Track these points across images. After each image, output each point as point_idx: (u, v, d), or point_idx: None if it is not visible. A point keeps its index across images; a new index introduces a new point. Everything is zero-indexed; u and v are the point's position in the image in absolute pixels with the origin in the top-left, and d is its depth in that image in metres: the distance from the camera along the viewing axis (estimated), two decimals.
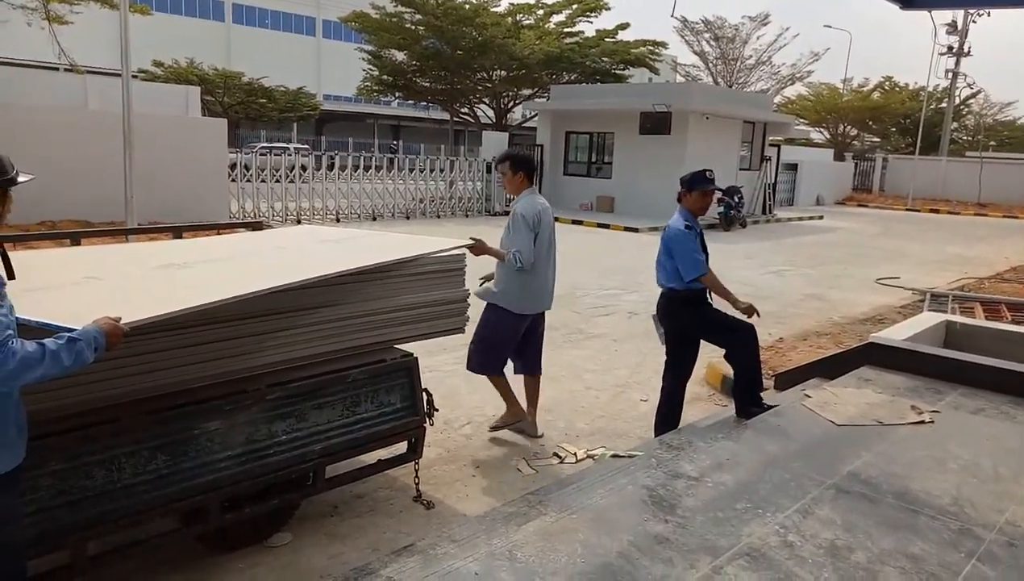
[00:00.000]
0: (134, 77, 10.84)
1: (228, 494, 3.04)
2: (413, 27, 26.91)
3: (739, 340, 4.31)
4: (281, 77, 37.79)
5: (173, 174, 13.87)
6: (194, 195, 14.22)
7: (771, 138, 25.38)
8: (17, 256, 3.65)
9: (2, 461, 2.10)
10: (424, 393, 3.79)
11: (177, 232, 4.49)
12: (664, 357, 4.63)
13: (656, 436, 4.34)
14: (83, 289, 2.88)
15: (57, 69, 22.10)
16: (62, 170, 12.14)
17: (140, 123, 11.11)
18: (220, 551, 3.29)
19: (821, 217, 25.26)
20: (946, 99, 39.24)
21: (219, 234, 4.97)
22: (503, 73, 28.01)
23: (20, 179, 2.22)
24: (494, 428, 4.81)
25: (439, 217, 19.19)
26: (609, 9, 28.46)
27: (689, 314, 4.41)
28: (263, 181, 16.27)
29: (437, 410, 3.98)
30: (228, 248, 3.94)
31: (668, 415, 4.54)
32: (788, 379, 4.94)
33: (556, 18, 28.84)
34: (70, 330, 2.11)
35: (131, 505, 2.74)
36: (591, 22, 29.09)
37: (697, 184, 4.45)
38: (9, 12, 18.96)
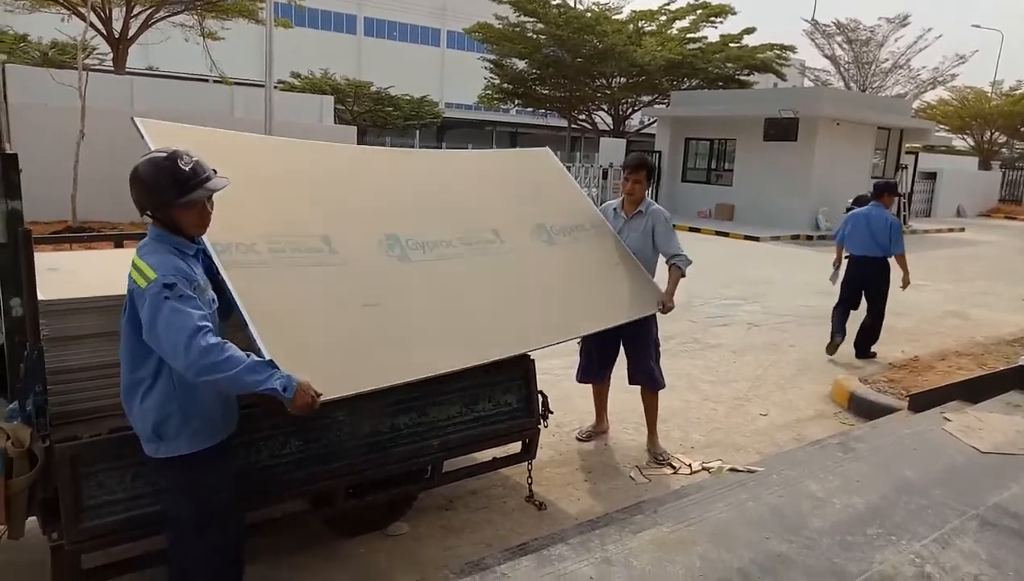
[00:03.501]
0: (275, 88, 11.58)
1: (353, 481, 3.19)
2: (535, 36, 27.20)
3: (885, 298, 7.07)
4: (406, 86, 39.16)
5: None
6: None
7: (908, 145, 23.84)
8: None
9: (213, 434, 2.41)
10: (539, 395, 3.83)
11: None
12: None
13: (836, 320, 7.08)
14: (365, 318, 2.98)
15: (207, 80, 23.95)
16: None
17: (279, 131, 11.83)
18: (343, 535, 3.45)
19: (963, 229, 23.45)
20: None
21: None
22: (623, 80, 27.81)
23: (216, 185, 2.36)
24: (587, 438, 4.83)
25: None
26: (735, 14, 27.66)
27: (886, 275, 6.99)
28: None
29: (552, 412, 4.00)
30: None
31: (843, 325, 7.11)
32: (925, 400, 4.62)
33: (679, 24, 28.33)
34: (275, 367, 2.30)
35: (266, 485, 2.93)
36: (715, 27, 28.39)
37: (893, 190, 7.16)
38: (170, 30, 20.75)
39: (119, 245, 4.23)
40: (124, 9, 18.43)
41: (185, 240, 2.38)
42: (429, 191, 3.78)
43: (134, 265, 2.27)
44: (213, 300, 2.43)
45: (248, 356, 2.23)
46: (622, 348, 4.62)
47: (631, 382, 4.66)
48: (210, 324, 2.23)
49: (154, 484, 2.59)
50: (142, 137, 2.83)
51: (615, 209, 4.59)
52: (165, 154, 2.29)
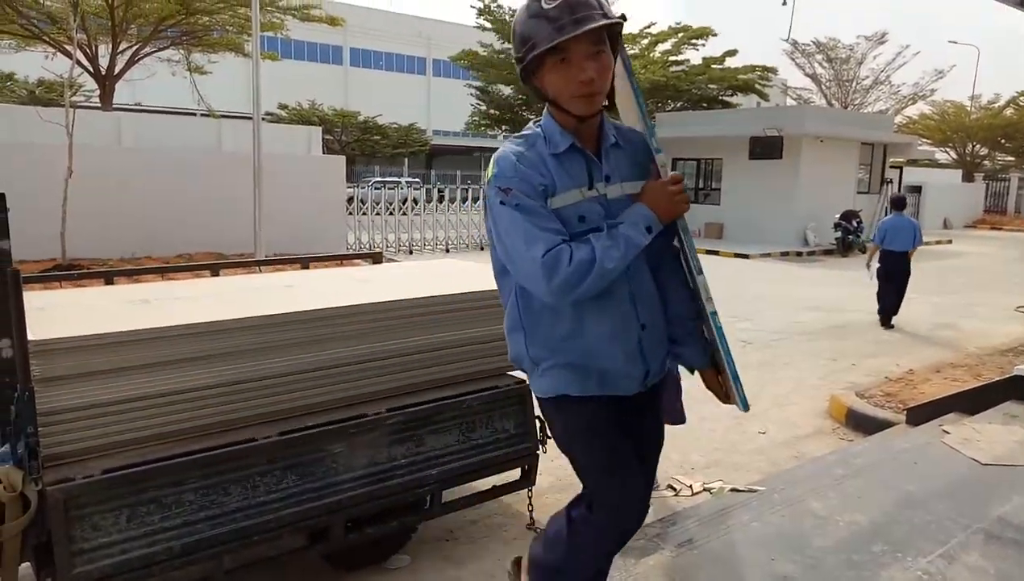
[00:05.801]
0: (263, 120, 11.63)
1: (351, 515, 3.14)
2: None
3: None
4: (394, 115, 39.50)
5: (296, 209, 14.67)
6: (315, 228, 14.97)
7: (892, 160, 24.11)
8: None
9: (573, 380, 1.84)
10: (537, 420, 3.80)
11: (304, 263, 4.74)
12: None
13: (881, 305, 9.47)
14: None
15: (195, 114, 24.03)
16: (197, 207, 13.12)
17: (268, 163, 11.86)
18: (342, 570, 3.39)
19: (949, 241, 23.64)
20: None
21: (341, 265, 5.17)
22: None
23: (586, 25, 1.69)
24: None
25: None
26: (715, 35, 28.05)
27: (909, 263, 9.42)
28: (378, 214, 16.99)
29: (550, 437, 3.96)
30: None
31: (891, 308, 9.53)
32: (922, 413, 4.62)
33: (661, 47, 28.69)
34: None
35: (264, 522, 2.88)
36: (697, 49, 28.76)
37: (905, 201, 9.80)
38: (157, 65, 20.86)
39: (109, 282, 4.20)
40: (110, 46, 18.51)
41: (561, 123, 1.84)
42: None
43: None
44: (603, 214, 1.81)
45: (598, 236, 1.71)
46: None
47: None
48: (558, 240, 1.68)
49: (149, 524, 2.55)
50: None
51: None
52: None
